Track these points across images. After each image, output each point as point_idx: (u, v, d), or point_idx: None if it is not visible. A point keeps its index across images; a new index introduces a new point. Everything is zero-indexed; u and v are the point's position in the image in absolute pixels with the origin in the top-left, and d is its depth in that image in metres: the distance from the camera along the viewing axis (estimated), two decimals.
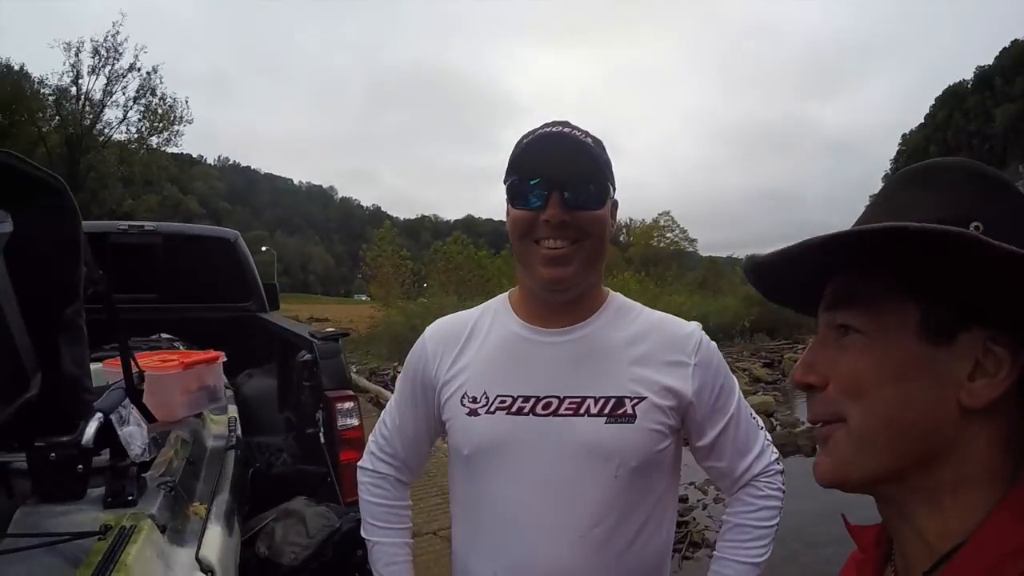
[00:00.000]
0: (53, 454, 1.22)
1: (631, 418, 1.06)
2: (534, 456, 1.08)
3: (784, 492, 1.18)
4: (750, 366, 14.40)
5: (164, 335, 3.55)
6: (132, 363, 1.89)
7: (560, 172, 1.04)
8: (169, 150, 35.50)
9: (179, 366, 2.17)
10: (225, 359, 3.42)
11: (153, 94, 33.43)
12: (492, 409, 1.10)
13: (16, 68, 32.24)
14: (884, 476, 0.55)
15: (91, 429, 1.29)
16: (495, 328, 1.17)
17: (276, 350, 3.57)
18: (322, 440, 2.54)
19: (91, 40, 32.04)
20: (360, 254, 34.01)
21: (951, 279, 0.51)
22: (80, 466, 1.25)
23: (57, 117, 32.52)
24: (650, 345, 1.11)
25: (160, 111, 33.65)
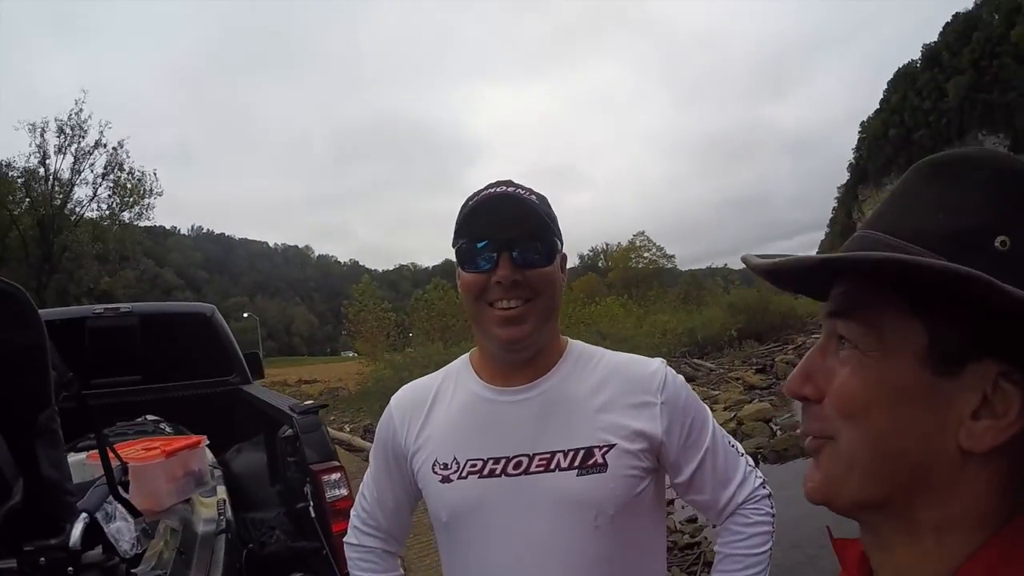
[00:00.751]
0: (42, 558, 1.23)
1: (602, 467, 1.06)
2: (511, 517, 1.07)
3: (774, 515, 1.16)
4: (743, 374, 14.49)
5: (150, 417, 3.53)
6: (114, 456, 1.91)
7: (507, 232, 1.05)
8: (142, 224, 35.44)
9: (162, 454, 2.18)
10: (209, 439, 3.43)
11: (121, 169, 33.43)
12: (464, 474, 1.10)
13: None
14: (869, 503, 0.52)
15: (77, 530, 1.31)
16: (458, 392, 1.17)
17: (262, 422, 3.56)
18: (312, 514, 2.53)
19: (55, 119, 32.17)
20: (342, 311, 33.88)
21: (963, 307, 0.46)
22: (70, 568, 1.25)
23: (27, 199, 32.35)
24: (613, 390, 1.11)
25: (129, 185, 33.62)
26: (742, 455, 1.18)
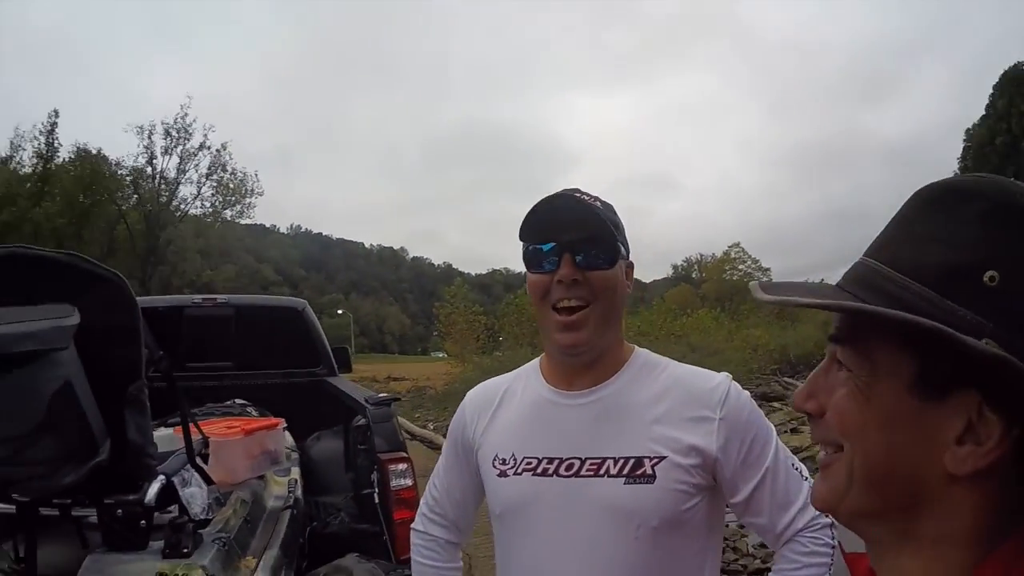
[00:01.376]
0: (120, 511, 1.40)
1: (651, 478, 1.05)
2: (557, 516, 1.09)
3: (834, 547, 1.10)
4: None
5: (238, 401, 3.72)
6: (197, 430, 2.11)
7: (570, 235, 1.09)
8: (243, 222, 37.83)
9: (241, 432, 2.36)
10: (288, 424, 3.63)
11: (224, 170, 35.76)
12: (519, 471, 1.13)
13: (94, 152, 35.25)
14: (868, 513, 0.54)
15: (153, 489, 1.47)
16: (526, 392, 1.20)
17: (342, 413, 3.74)
18: (376, 500, 2.66)
19: (162, 123, 34.83)
20: (434, 312, 34.74)
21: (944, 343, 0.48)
22: (143, 522, 1.41)
23: (135, 196, 35.18)
24: (672, 402, 1.10)
25: (232, 185, 35.91)
26: (806, 479, 1.13)
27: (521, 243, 1.15)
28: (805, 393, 0.59)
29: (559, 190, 1.15)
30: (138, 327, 1.53)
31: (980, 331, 0.47)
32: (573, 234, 1.09)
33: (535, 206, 1.11)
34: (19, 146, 36.07)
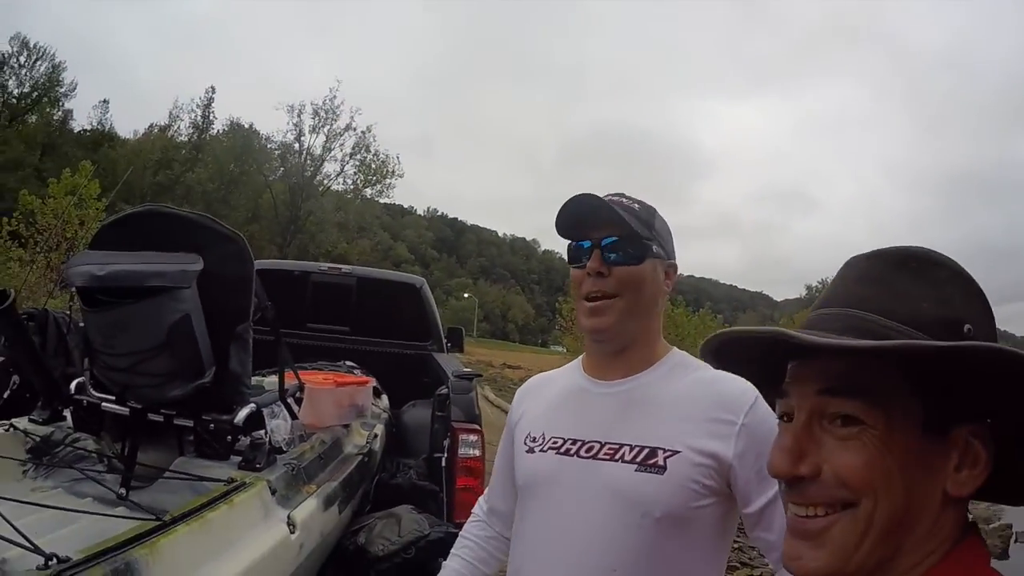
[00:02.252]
0: (212, 425, 1.71)
1: (660, 469, 1.08)
2: (571, 495, 1.14)
3: None
4: None
5: (348, 363, 4.06)
6: (295, 377, 2.44)
7: (600, 232, 1.16)
8: (382, 200, 40.20)
9: (332, 384, 2.69)
10: (389, 391, 3.95)
11: (367, 151, 38.71)
12: (545, 448, 1.20)
13: (246, 126, 38.78)
14: (875, 565, 0.56)
15: (243, 413, 1.76)
16: (566, 381, 1.29)
17: (439, 387, 4.02)
18: (443, 464, 2.91)
19: (311, 103, 38.23)
20: (557, 306, 35.06)
21: (955, 380, 0.55)
22: (229, 437, 1.72)
23: (282, 168, 38.74)
24: (697, 402, 1.13)
25: (374, 166, 38.78)
26: None
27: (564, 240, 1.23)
28: (794, 457, 0.59)
29: (608, 194, 1.23)
30: (250, 279, 1.84)
31: None
32: (603, 232, 1.16)
33: (567, 204, 1.18)
34: (177, 116, 40.80)
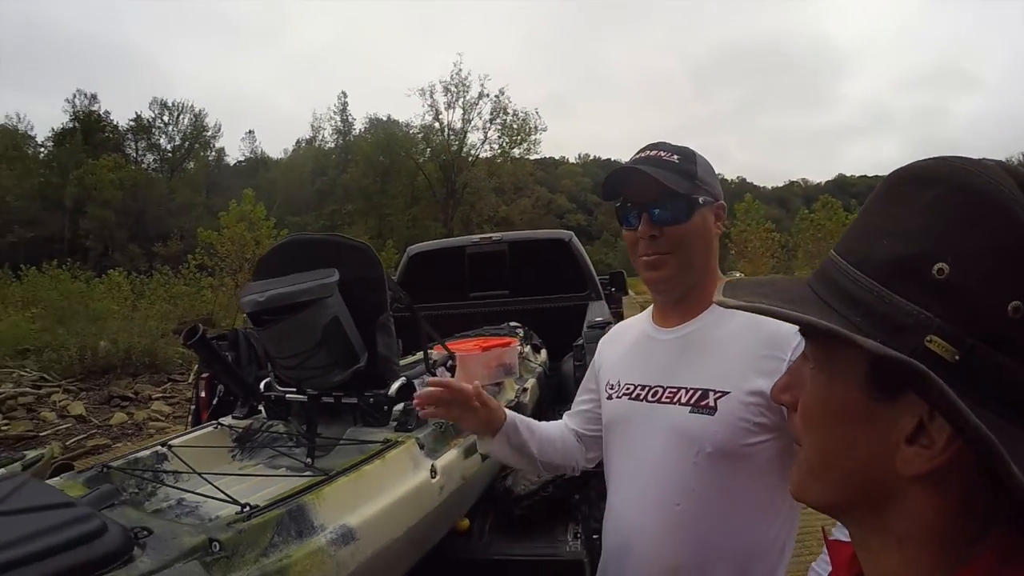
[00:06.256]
0: (372, 399, 2.12)
1: (712, 410, 1.15)
2: (638, 436, 1.25)
3: None
4: None
5: (512, 324, 4.33)
6: (444, 349, 2.83)
7: (646, 195, 1.22)
8: (531, 157, 40.72)
9: (478, 349, 3.06)
10: (551, 343, 4.21)
11: (505, 112, 39.29)
12: (620, 394, 1.31)
13: (384, 118, 41.38)
14: (832, 506, 0.55)
15: (395, 386, 2.14)
16: (638, 329, 1.39)
17: None
18: None
19: (440, 82, 39.86)
20: (727, 231, 33.62)
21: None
22: (386, 407, 2.12)
23: (428, 149, 40.59)
24: (747, 341, 1.17)
25: (515, 126, 39.35)
26: None
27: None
28: (783, 384, 0.60)
29: (643, 147, 1.29)
30: (382, 277, 2.21)
31: (927, 327, 0.45)
32: (648, 195, 1.21)
33: (608, 179, 1.26)
34: (319, 127, 44.33)
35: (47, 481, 1.49)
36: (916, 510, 0.49)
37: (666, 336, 1.29)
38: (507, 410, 1.43)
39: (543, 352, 4.16)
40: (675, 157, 1.24)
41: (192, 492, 1.56)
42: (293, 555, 1.25)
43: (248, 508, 1.27)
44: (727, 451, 1.15)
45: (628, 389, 1.30)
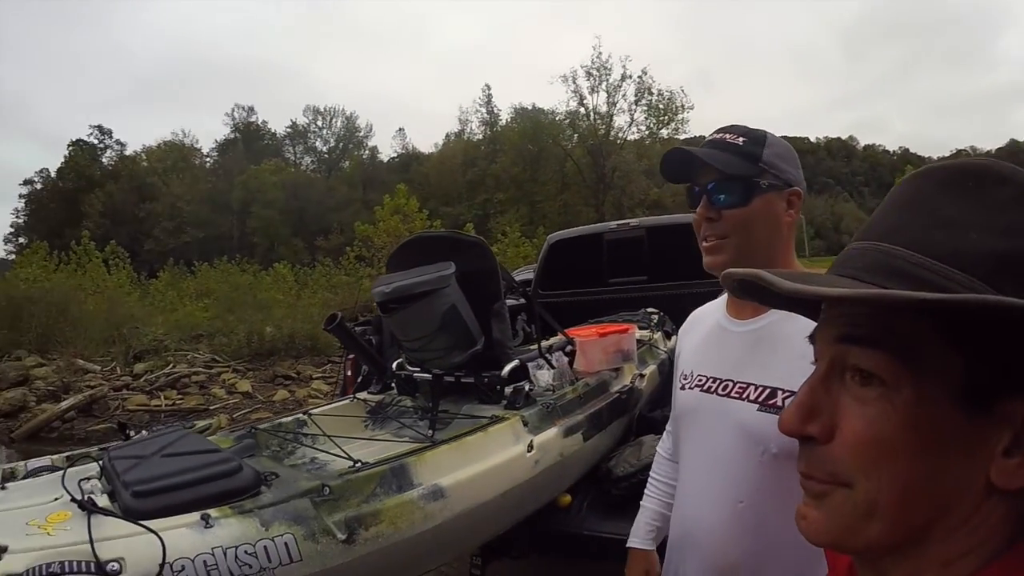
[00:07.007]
0: (486, 379, 2.33)
1: (779, 410, 1.09)
2: (707, 429, 1.23)
3: None
4: None
5: (649, 309, 4.38)
6: (563, 335, 2.99)
7: (706, 178, 1.21)
8: (680, 137, 39.21)
9: (596, 335, 3.18)
10: (670, 329, 4.22)
11: (650, 93, 38.17)
12: (692, 385, 1.29)
13: (528, 107, 41.36)
14: (886, 547, 0.48)
15: (508, 367, 2.34)
16: (713, 318, 1.35)
17: None
18: None
19: (581, 67, 38.99)
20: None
21: (1004, 340, 0.42)
22: (499, 387, 2.33)
23: (575, 135, 40.20)
24: None
25: (661, 106, 38.17)
26: None
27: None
28: (804, 412, 0.50)
29: (717, 129, 1.29)
30: (495, 269, 2.42)
31: None
32: (706, 178, 1.21)
33: (663, 163, 1.27)
34: (466, 120, 45.60)
35: None
36: (984, 523, 0.45)
37: (739, 328, 1.26)
38: (647, 537, 1.53)
39: (674, 339, 4.18)
40: (740, 139, 1.22)
41: (323, 451, 1.87)
42: (387, 503, 1.52)
43: (359, 464, 1.56)
44: (793, 453, 1.10)
45: (700, 381, 1.29)
